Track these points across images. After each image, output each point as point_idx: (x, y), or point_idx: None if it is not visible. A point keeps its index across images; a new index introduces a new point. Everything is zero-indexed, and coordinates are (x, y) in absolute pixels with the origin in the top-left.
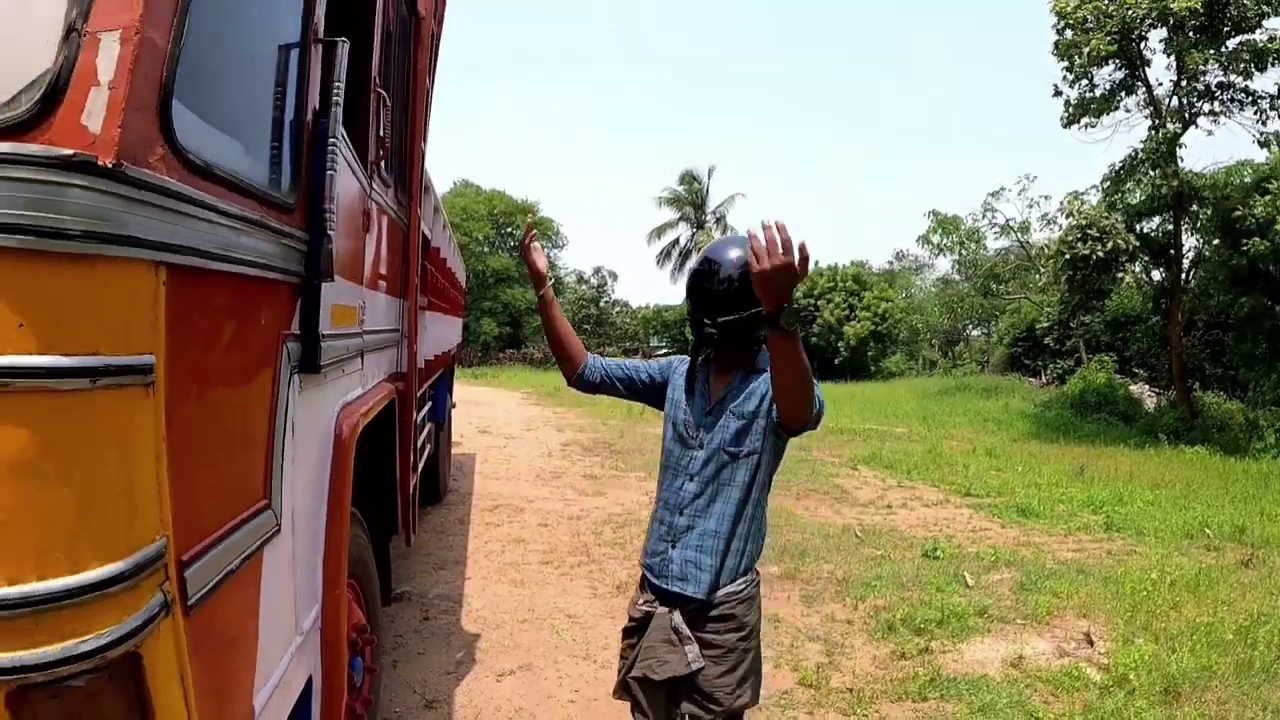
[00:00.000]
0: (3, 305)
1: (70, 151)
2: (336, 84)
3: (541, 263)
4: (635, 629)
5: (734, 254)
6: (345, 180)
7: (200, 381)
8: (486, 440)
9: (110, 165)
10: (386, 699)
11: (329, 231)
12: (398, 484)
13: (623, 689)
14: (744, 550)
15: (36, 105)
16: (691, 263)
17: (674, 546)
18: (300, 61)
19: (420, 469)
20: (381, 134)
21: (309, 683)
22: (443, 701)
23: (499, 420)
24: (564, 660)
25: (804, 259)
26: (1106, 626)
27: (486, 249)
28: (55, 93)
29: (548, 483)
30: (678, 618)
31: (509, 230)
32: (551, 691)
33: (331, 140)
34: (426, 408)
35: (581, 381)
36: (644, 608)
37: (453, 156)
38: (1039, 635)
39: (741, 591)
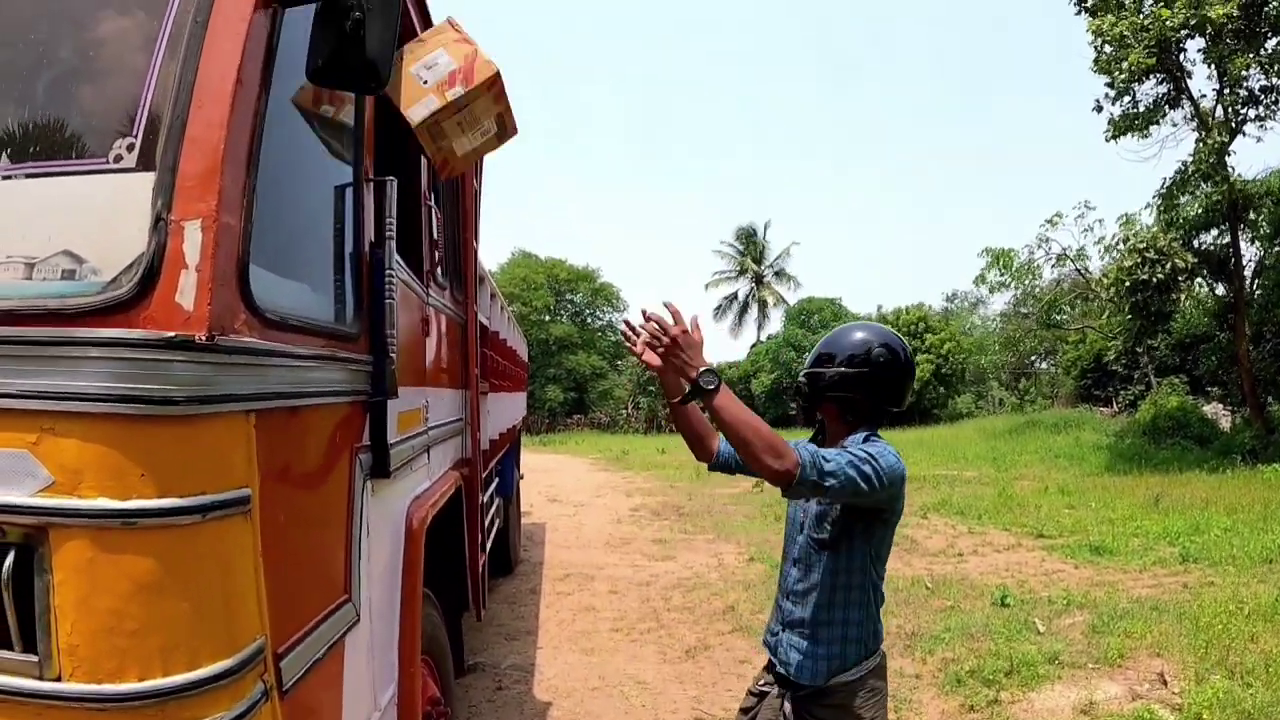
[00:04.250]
0: (126, 460)
1: (172, 334)
2: (389, 219)
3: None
4: (751, 706)
5: (846, 339)
6: (403, 296)
7: (288, 502)
8: (556, 509)
9: (204, 339)
10: None
11: (390, 354)
12: (467, 563)
13: None
14: (845, 637)
15: (136, 286)
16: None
17: (784, 629)
18: (355, 202)
19: (490, 543)
20: (435, 240)
21: None
22: None
23: (568, 488)
24: None
25: (683, 332)
26: (1180, 664)
27: (547, 317)
28: (151, 274)
29: (617, 549)
30: (787, 705)
31: (570, 298)
32: None
33: (388, 271)
34: (494, 485)
35: (717, 464)
36: (762, 687)
37: (510, 225)
38: (1111, 679)
39: (853, 681)
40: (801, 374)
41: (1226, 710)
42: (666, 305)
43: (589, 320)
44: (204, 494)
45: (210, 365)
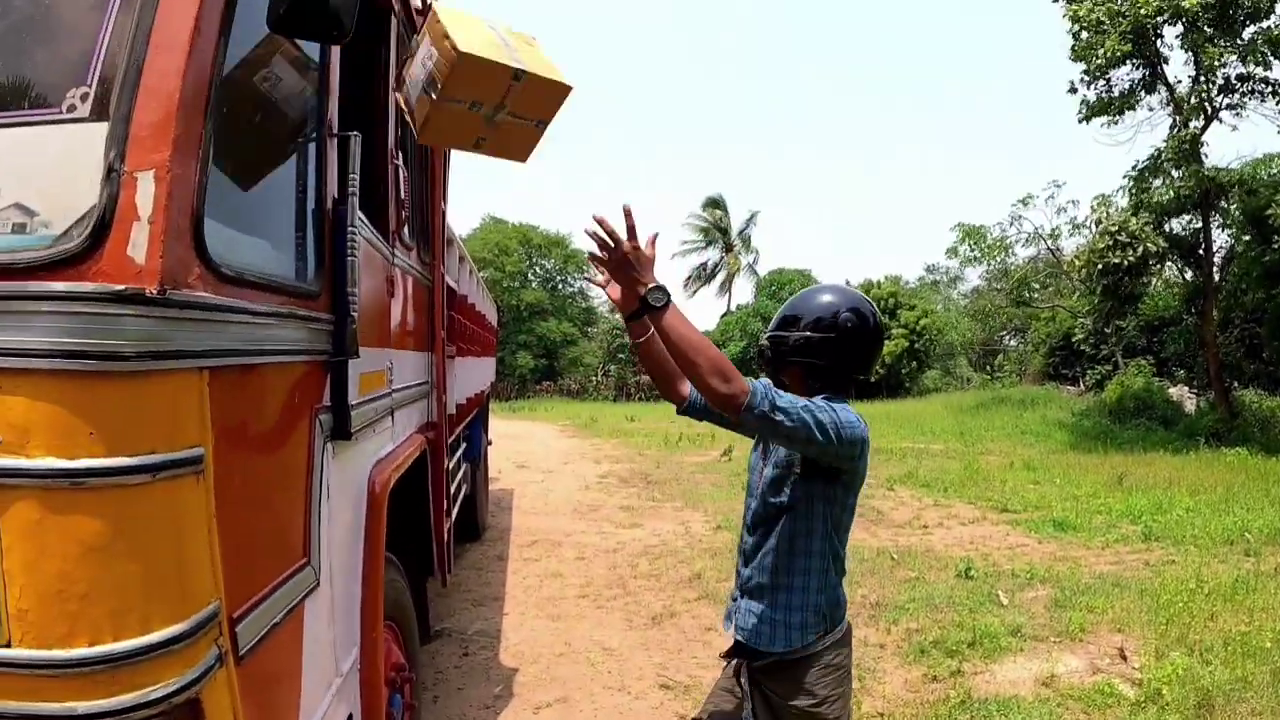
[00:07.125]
0: (75, 418)
1: (122, 287)
2: (352, 175)
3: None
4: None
5: (813, 302)
6: (366, 255)
7: (243, 462)
8: (524, 475)
9: (156, 293)
10: None
11: (352, 313)
12: (432, 528)
13: None
14: (804, 605)
15: (87, 239)
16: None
17: (741, 596)
18: (318, 157)
19: (457, 509)
20: (401, 200)
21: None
22: None
23: (536, 454)
24: (599, 692)
25: (634, 248)
26: (1141, 640)
27: (519, 283)
28: (102, 227)
29: (585, 516)
30: (743, 669)
31: (541, 264)
32: None
33: (351, 229)
34: (461, 449)
35: (690, 409)
36: (729, 648)
37: (478, 190)
38: (1072, 652)
39: (811, 655)
40: (765, 336)
41: (1186, 686)
42: (626, 211)
43: (560, 287)
44: (154, 453)
45: (162, 320)
